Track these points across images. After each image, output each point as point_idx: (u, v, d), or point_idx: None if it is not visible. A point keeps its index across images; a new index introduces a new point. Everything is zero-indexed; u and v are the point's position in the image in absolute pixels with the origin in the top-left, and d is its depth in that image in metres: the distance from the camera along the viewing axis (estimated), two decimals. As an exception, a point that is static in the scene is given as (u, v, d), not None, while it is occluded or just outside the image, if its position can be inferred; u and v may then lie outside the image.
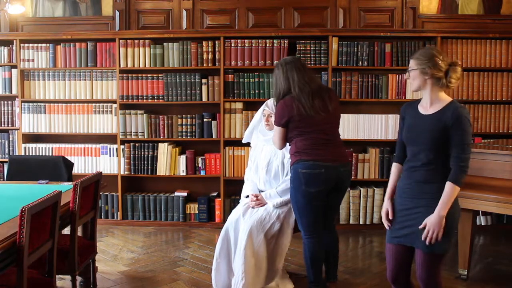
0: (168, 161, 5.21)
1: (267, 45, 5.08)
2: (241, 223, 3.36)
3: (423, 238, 2.45)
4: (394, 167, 2.74)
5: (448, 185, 2.44)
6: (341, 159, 3.27)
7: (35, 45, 5.28)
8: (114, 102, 5.24)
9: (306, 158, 3.16)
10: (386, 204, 2.68)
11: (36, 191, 3.40)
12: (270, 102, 3.57)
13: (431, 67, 2.48)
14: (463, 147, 2.43)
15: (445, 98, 2.53)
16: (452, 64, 2.50)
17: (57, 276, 2.92)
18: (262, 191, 3.57)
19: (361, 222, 5.14)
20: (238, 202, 3.69)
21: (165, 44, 5.19)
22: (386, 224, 2.66)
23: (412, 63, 2.55)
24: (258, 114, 3.67)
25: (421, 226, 2.46)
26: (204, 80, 5.15)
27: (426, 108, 2.55)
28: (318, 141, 3.20)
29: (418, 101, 2.63)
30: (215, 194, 5.31)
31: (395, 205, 2.65)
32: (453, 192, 2.43)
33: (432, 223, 2.43)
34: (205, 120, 5.19)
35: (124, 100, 5.20)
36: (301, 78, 3.23)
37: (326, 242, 3.39)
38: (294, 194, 3.23)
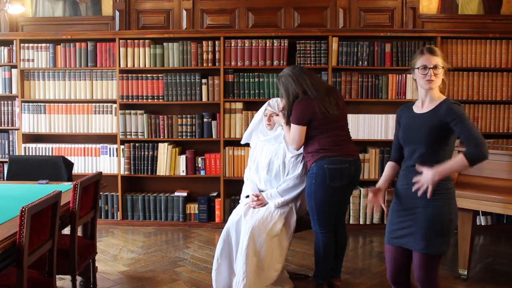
0: (168, 161, 5.21)
1: (267, 45, 5.08)
2: (243, 223, 3.36)
3: (413, 190, 2.45)
4: (388, 165, 2.75)
5: (460, 156, 2.39)
6: (356, 153, 3.43)
7: (35, 45, 5.28)
8: (114, 102, 5.24)
9: (331, 154, 3.27)
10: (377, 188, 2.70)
11: (36, 191, 3.40)
12: (272, 102, 3.58)
13: (411, 72, 2.58)
14: (473, 135, 2.39)
15: (439, 97, 2.54)
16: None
17: (57, 276, 2.92)
18: (262, 191, 3.57)
19: (361, 222, 5.14)
20: (238, 202, 3.69)
21: (165, 44, 5.19)
22: (372, 189, 2.66)
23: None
24: (258, 115, 3.66)
25: (415, 185, 2.45)
26: (204, 80, 5.15)
27: (419, 107, 2.58)
28: (338, 137, 3.34)
29: (413, 102, 2.66)
30: (215, 194, 5.31)
31: (393, 205, 2.65)
32: (460, 164, 2.41)
33: (426, 178, 2.41)
34: (205, 120, 5.19)
35: (124, 100, 5.20)
36: (312, 80, 3.35)
37: (338, 236, 3.49)
38: (315, 190, 3.29)
